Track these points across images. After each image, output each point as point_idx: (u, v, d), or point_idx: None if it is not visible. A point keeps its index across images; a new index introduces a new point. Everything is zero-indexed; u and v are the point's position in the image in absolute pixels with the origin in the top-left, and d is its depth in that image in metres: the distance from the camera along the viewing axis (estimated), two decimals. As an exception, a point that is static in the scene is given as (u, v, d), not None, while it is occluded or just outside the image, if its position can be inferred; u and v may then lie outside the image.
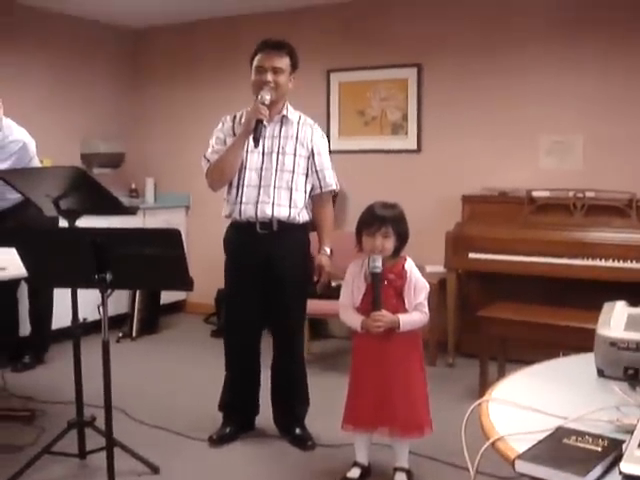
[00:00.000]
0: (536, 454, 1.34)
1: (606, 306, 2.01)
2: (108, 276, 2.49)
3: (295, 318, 3.37)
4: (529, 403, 1.63)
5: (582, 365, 1.93)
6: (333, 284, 4.05)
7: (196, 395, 4.02)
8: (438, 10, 5.15)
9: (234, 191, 3.24)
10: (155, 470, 3.01)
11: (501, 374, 3.76)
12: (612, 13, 4.58)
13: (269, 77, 3.13)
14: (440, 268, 4.66)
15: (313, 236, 3.39)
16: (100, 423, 2.85)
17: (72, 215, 2.99)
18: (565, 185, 4.54)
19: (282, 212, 3.19)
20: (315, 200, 3.34)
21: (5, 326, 4.63)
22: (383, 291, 2.76)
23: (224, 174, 3.22)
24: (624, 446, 1.33)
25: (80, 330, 3.10)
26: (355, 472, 2.94)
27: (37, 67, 5.61)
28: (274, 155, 3.21)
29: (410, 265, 2.85)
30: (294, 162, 3.22)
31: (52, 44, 5.71)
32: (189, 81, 6.19)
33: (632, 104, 4.59)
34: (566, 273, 4.24)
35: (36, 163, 4.38)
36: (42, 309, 4.59)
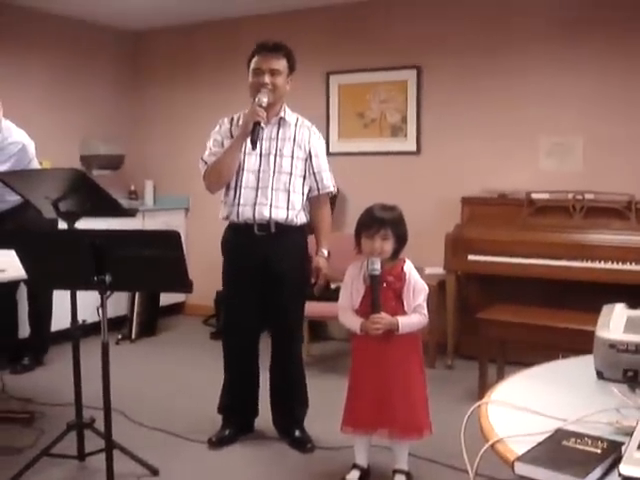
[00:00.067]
0: (535, 456, 1.34)
1: (605, 308, 2.01)
2: (107, 278, 2.49)
3: (293, 320, 3.37)
4: (528, 405, 1.63)
5: (581, 367, 1.93)
6: (332, 286, 4.05)
7: (195, 397, 4.02)
8: (437, 12, 5.15)
9: (232, 193, 3.24)
10: (154, 472, 3.01)
11: (500, 376, 3.76)
12: (611, 14, 4.59)
13: (266, 79, 3.14)
14: (439, 270, 4.66)
15: (311, 238, 3.39)
16: (99, 425, 2.84)
17: (71, 217, 2.99)
18: (565, 186, 4.54)
19: (280, 214, 3.19)
20: (313, 202, 3.34)
21: (4, 328, 4.62)
22: (382, 293, 2.76)
23: (221, 176, 3.22)
24: (623, 448, 1.33)
25: (79, 332, 3.09)
26: (354, 474, 2.94)
27: (37, 68, 5.61)
28: (272, 157, 3.21)
29: (409, 267, 2.85)
30: (292, 164, 3.22)
31: (52, 45, 5.72)
32: (189, 83, 6.20)
33: (632, 105, 4.60)
34: (565, 275, 4.24)
35: (35, 165, 4.38)
36: (41, 311, 4.59)
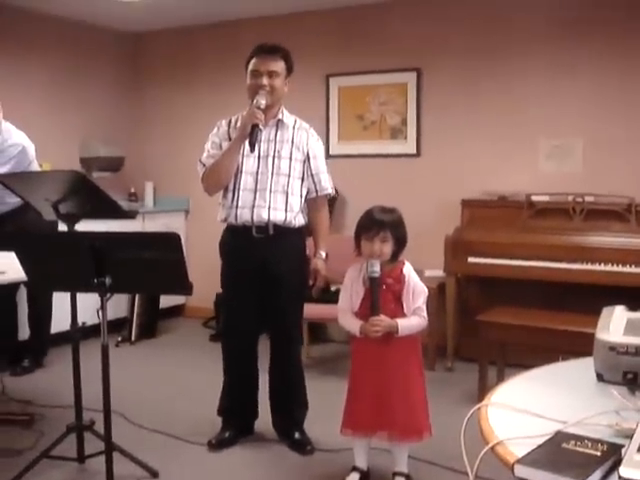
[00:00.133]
0: (535, 458, 1.34)
1: (605, 310, 2.01)
2: (107, 280, 2.49)
3: (292, 322, 3.37)
4: (528, 407, 1.63)
5: (581, 369, 1.93)
6: (332, 288, 4.05)
7: (195, 399, 4.02)
8: (437, 15, 5.16)
9: (230, 195, 3.24)
10: (154, 474, 3.01)
11: (500, 378, 3.76)
12: (610, 14, 4.59)
13: (264, 81, 3.14)
14: (439, 272, 4.66)
15: (309, 240, 3.40)
16: (99, 427, 2.85)
17: (71, 219, 2.99)
18: (565, 189, 4.54)
19: (278, 216, 3.19)
20: (311, 204, 3.35)
21: (4, 330, 4.62)
22: (381, 296, 2.76)
23: (220, 178, 3.22)
24: (623, 450, 1.33)
25: (79, 334, 3.09)
26: (354, 477, 2.94)
27: (37, 70, 5.61)
28: (270, 159, 3.21)
29: (408, 269, 2.85)
30: (290, 166, 3.23)
31: (52, 47, 5.72)
32: (189, 84, 6.20)
33: (632, 107, 4.60)
34: (565, 277, 4.24)
35: (35, 167, 4.38)
36: (41, 313, 4.59)
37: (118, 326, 5.28)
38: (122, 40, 6.36)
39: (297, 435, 3.36)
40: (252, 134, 3.05)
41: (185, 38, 6.21)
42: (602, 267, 4.18)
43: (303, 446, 3.32)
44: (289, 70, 3.25)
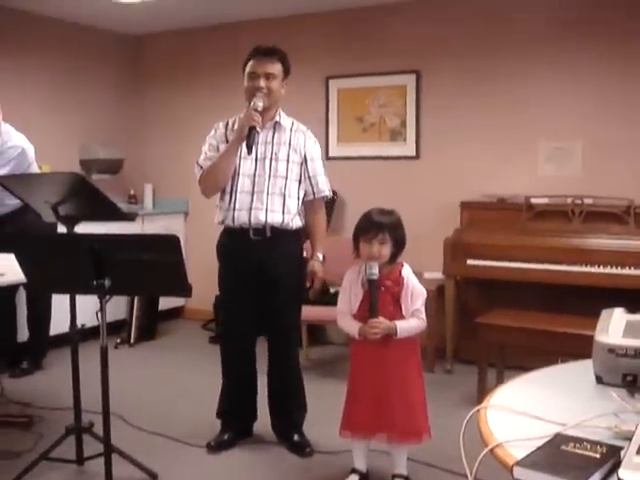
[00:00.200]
0: (534, 461, 1.34)
1: (604, 313, 2.01)
2: (106, 282, 2.49)
3: (289, 324, 3.37)
4: (527, 410, 1.63)
5: (580, 372, 1.93)
6: (331, 291, 4.05)
7: (194, 401, 4.01)
8: (436, 17, 5.16)
9: (227, 197, 3.24)
10: (153, 477, 3.00)
11: (499, 381, 3.76)
12: (610, 17, 4.59)
13: (262, 83, 3.15)
14: (438, 274, 4.66)
15: (306, 242, 3.40)
16: (98, 429, 2.84)
17: (71, 221, 2.99)
18: (564, 191, 4.55)
19: (275, 218, 3.19)
20: (308, 206, 3.35)
21: (3, 332, 4.62)
22: (380, 298, 2.76)
23: (217, 181, 3.22)
24: (622, 453, 1.33)
25: (78, 336, 3.09)
26: (353, 479, 2.94)
27: (37, 72, 5.62)
28: (267, 161, 3.21)
29: (407, 271, 2.84)
30: (287, 168, 3.23)
31: (52, 49, 5.72)
32: (189, 87, 6.20)
33: (631, 109, 4.60)
34: (564, 280, 4.24)
35: (35, 169, 4.38)
36: (40, 315, 4.59)
37: (117, 328, 5.28)
38: (122, 42, 6.37)
39: (296, 437, 3.36)
40: (249, 136, 3.05)
41: (185, 40, 6.22)
42: (601, 269, 4.18)
43: (302, 448, 3.31)
44: (286, 72, 3.25)
